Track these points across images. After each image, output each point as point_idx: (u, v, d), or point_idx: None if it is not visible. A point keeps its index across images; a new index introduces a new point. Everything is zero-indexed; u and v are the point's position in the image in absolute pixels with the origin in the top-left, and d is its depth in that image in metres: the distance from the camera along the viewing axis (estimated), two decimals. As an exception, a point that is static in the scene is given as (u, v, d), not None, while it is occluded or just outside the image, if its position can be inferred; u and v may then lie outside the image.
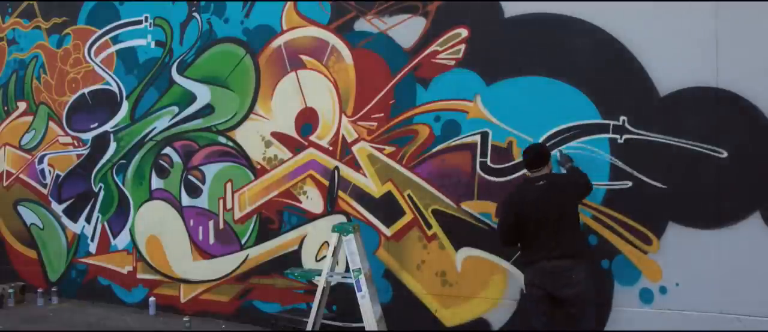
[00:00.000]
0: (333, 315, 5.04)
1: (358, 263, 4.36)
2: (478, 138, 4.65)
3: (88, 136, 6.68)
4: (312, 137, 5.34)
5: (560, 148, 4.32)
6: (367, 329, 4.29)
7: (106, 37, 6.57)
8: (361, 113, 5.12)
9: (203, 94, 5.93)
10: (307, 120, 5.37)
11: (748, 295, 3.88)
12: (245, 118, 5.67)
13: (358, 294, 4.33)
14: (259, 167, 5.60)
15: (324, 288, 4.50)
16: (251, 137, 5.63)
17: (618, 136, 4.21)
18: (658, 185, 4.10)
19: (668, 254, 4.08)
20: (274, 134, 5.52)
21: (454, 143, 4.74)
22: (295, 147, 5.42)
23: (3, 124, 7.38)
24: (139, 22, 6.34)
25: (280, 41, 5.52)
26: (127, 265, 6.39)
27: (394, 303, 4.94)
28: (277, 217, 5.50)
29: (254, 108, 5.62)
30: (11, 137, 7.30)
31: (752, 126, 3.88)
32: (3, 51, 7.42)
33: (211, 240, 5.86)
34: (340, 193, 5.19)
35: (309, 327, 4.47)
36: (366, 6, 5.12)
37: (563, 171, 4.14)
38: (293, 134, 5.43)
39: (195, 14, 5.99)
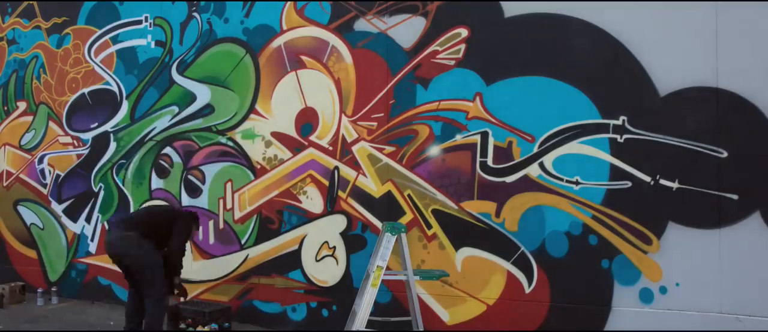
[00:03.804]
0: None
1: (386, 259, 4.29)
2: (478, 138, 4.66)
3: (88, 136, 6.68)
4: (312, 137, 5.34)
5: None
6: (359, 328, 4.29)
7: (106, 37, 6.57)
8: (361, 112, 5.12)
9: (203, 94, 5.93)
10: (307, 120, 5.37)
11: (748, 295, 3.88)
12: (245, 118, 5.67)
13: (374, 291, 4.22)
14: (259, 167, 5.60)
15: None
16: (251, 136, 5.63)
17: (618, 136, 4.21)
18: (658, 185, 4.10)
19: (668, 254, 4.09)
20: (274, 134, 5.52)
21: (454, 143, 4.74)
22: (295, 147, 5.42)
23: (3, 124, 7.38)
24: (139, 22, 6.34)
25: (280, 41, 5.52)
26: (127, 265, 6.39)
27: (394, 303, 4.95)
28: (277, 217, 5.50)
29: (254, 108, 5.62)
30: (11, 137, 7.30)
31: (752, 126, 3.88)
32: (3, 51, 7.42)
33: (211, 240, 5.86)
34: (340, 193, 5.19)
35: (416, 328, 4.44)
36: (366, 6, 5.12)
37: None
38: (293, 134, 5.43)
39: (195, 14, 5.99)
